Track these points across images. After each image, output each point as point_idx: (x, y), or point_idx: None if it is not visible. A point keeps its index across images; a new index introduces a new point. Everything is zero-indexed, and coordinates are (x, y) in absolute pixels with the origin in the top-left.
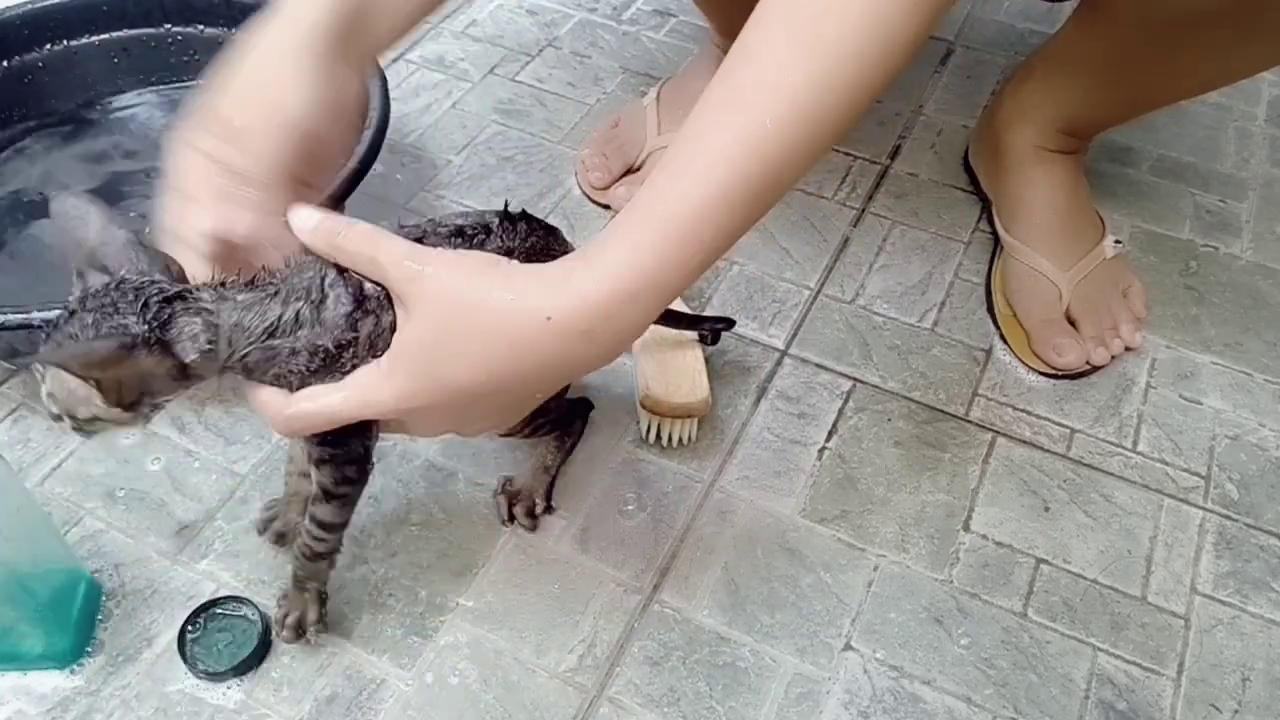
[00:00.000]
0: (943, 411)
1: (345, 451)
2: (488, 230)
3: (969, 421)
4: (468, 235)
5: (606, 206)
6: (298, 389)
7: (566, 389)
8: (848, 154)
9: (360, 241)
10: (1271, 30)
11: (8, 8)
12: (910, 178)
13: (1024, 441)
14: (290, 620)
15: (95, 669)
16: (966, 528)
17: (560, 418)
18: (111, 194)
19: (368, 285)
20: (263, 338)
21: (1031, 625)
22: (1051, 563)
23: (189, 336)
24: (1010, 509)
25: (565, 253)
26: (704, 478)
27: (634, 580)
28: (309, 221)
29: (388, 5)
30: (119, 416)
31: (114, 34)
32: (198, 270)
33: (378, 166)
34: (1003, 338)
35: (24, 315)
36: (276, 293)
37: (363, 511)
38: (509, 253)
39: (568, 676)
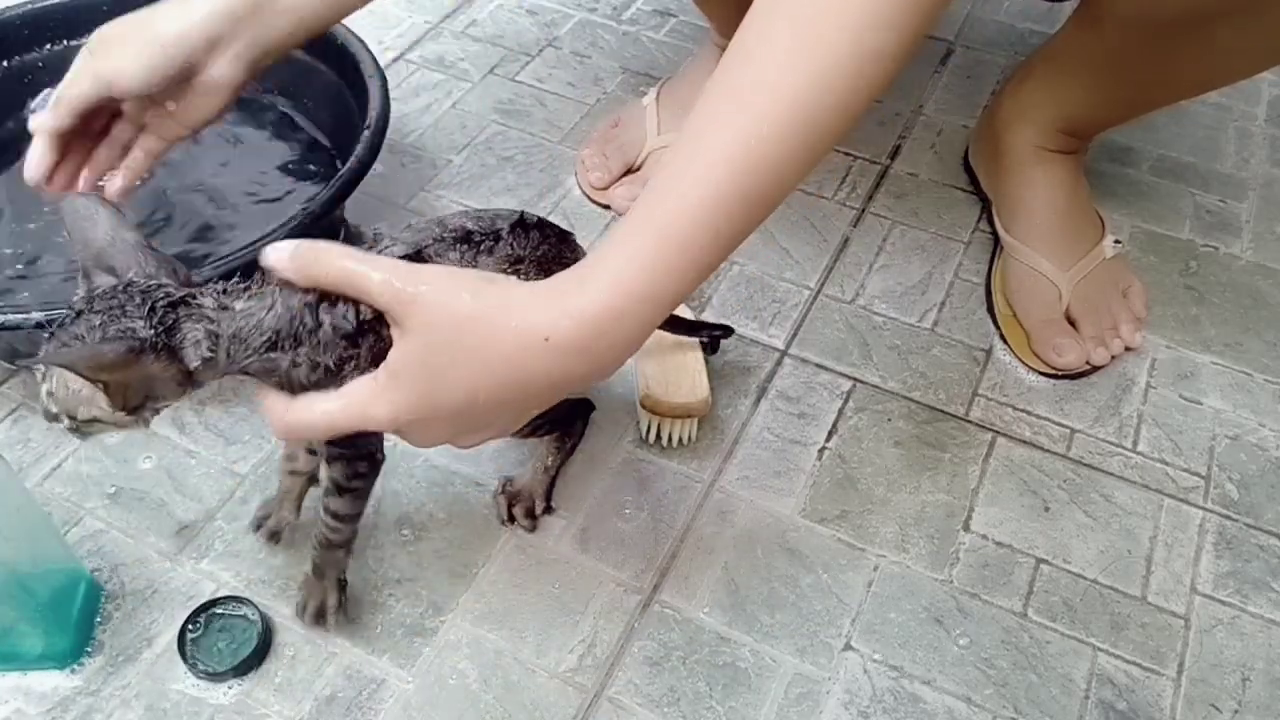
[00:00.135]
0: (943, 411)
1: (356, 449)
2: (497, 237)
3: (969, 421)
4: (475, 242)
5: (606, 206)
6: (299, 393)
7: None
8: (848, 154)
9: (339, 274)
10: (1271, 30)
11: (8, 8)
12: (910, 178)
13: (1024, 441)
14: (311, 607)
15: (95, 669)
16: (966, 528)
17: (561, 419)
18: None
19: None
20: (262, 350)
21: (1031, 625)
22: (1051, 563)
23: (192, 343)
24: (1010, 509)
25: (578, 259)
26: (704, 478)
27: (634, 580)
28: (281, 256)
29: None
30: (121, 419)
31: None
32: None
33: (378, 166)
34: (1003, 338)
35: (24, 315)
36: (273, 305)
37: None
38: (519, 261)
39: (568, 676)
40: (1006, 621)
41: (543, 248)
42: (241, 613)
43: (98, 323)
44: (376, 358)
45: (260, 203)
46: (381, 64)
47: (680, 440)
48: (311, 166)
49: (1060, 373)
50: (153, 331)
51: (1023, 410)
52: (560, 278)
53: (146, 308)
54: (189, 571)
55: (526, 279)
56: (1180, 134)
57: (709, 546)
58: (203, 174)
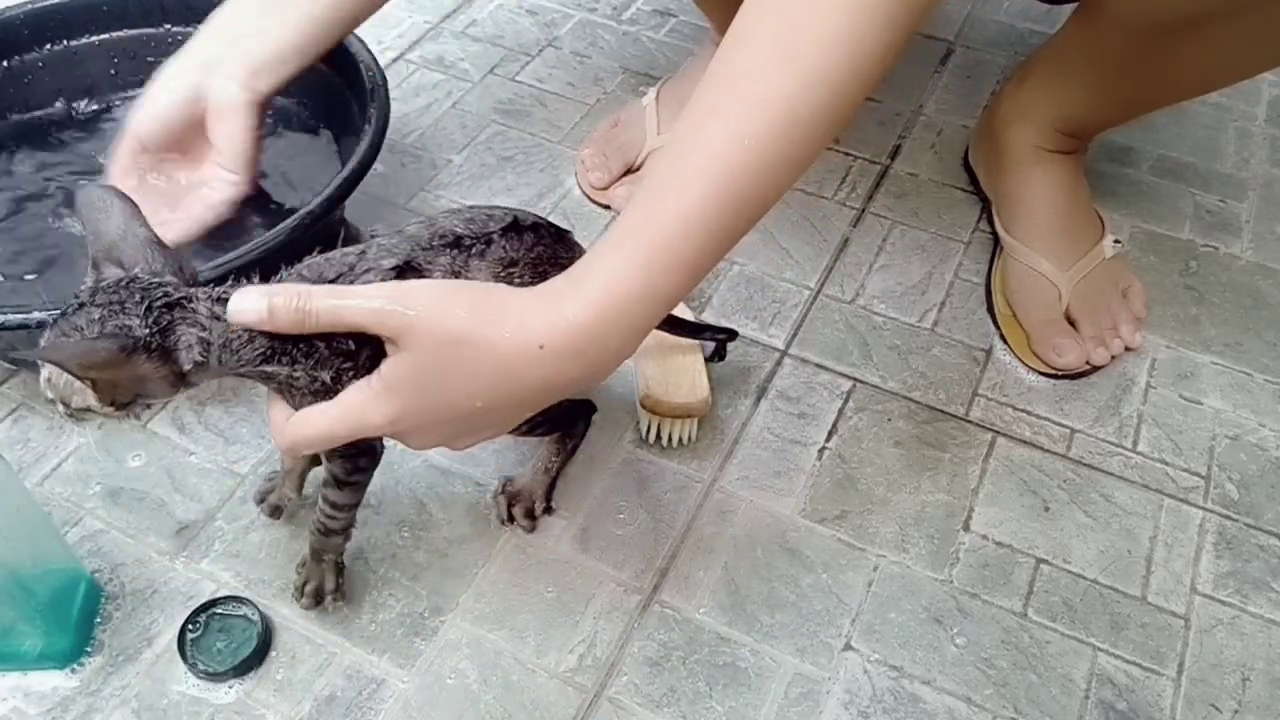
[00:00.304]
0: (943, 411)
1: (356, 447)
2: (488, 240)
3: (969, 421)
4: (465, 246)
5: (606, 206)
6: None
7: None
8: (848, 154)
9: (328, 316)
10: (1271, 30)
11: (8, 8)
12: (910, 178)
13: (1024, 441)
14: (310, 589)
15: (95, 669)
16: (966, 528)
17: (561, 419)
18: None
19: None
20: (256, 362)
21: (1031, 625)
22: (1051, 563)
23: (185, 346)
24: (1010, 509)
25: (574, 260)
26: (704, 478)
27: (634, 580)
28: (260, 314)
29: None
30: (110, 414)
31: (114, 34)
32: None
33: (378, 166)
34: (1003, 338)
35: (24, 315)
36: None
37: (363, 512)
38: (512, 264)
39: (568, 676)
40: (1006, 621)
41: (537, 249)
42: (241, 613)
43: (97, 316)
44: (374, 361)
45: (260, 203)
46: (381, 64)
47: (680, 440)
48: (312, 166)
49: (1060, 373)
50: (147, 331)
51: (1023, 410)
52: (554, 283)
53: (144, 306)
54: (189, 571)
55: (521, 281)
56: (1180, 134)
57: (709, 546)
58: None
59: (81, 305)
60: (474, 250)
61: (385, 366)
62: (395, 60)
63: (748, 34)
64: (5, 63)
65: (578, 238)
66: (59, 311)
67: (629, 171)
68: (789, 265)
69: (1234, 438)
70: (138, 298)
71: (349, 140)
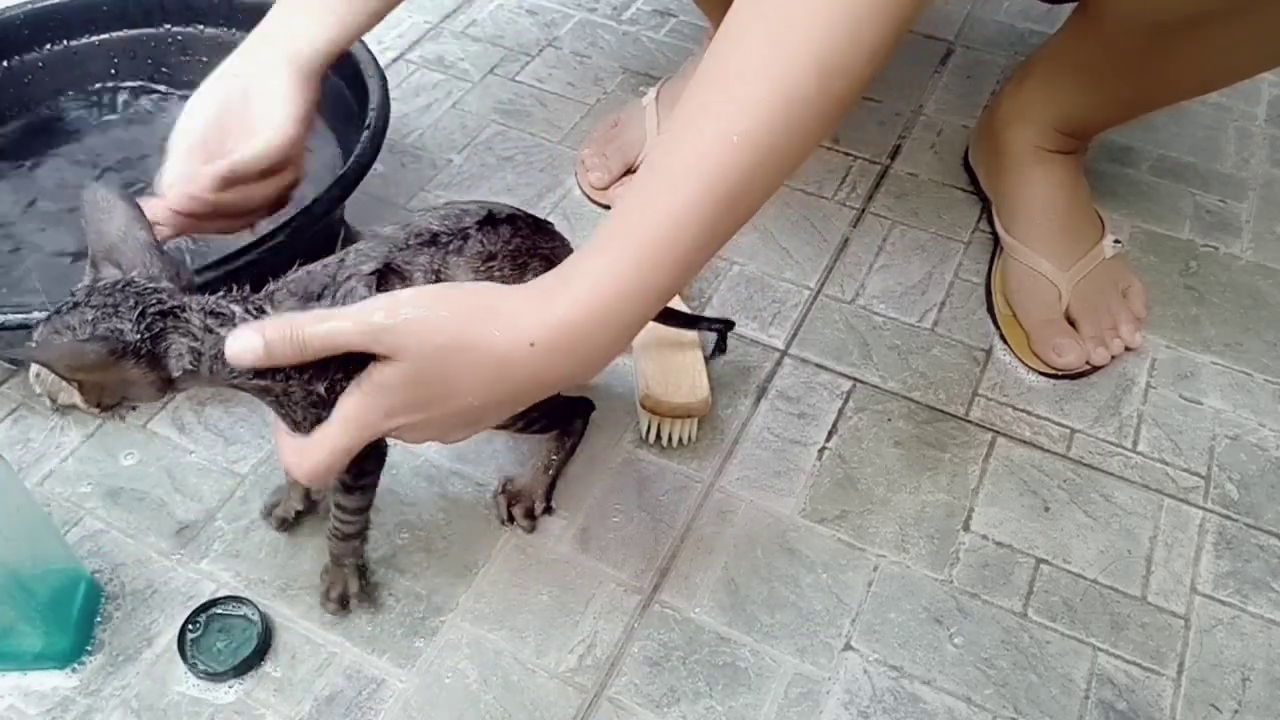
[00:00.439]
0: (943, 411)
1: (361, 452)
2: (465, 236)
3: (969, 421)
4: (442, 243)
5: (607, 206)
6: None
7: None
8: (848, 154)
9: (322, 341)
10: (1271, 30)
11: (8, 8)
12: (910, 178)
13: (1024, 441)
14: (334, 594)
15: (95, 669)
16: (966, 528)
17: (559, 417)
18: None
19: None
20: (249, 375)
21: (1031, 625)
22: (1051, 563)
23: (175, 354)
24: (1010, 509)
25: (554, 249)
26: (704, 478)
27: (634, 580)
28: (256, 354)
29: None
30: (95, 414)
31: (114, 34)
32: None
33: (378, 166)
34: (1003, 338)
35: (24, 315)
36: None
37: None
38: (490, 257)
39: (568, 676)
40: (1006, 621)
41: (515, 241)
42: (241, 613)
43: (90, 317)
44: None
45: None
46: (381, 64)
47: (680, 440)
48: (311, 166)
49: (1060, 373)
50: (138, 336)
51: (1023, 410)
52: (544, 280)
53: (137, 311)
54: (189, 571)
55: (501, 274)
56: (1180, 134)
57: (709, 546)
58: None
59: (76, 304)
60: (451, 247)
61: (374, 370)
62: (395, 60)
63: (739, 33)
64: (5, 63)
65: (578, 238)
66: (55, 308)
67: (629, 171)
68: (789, 265)
69: (1234, 438)
70: (132, 302)
71: (349, 140)
